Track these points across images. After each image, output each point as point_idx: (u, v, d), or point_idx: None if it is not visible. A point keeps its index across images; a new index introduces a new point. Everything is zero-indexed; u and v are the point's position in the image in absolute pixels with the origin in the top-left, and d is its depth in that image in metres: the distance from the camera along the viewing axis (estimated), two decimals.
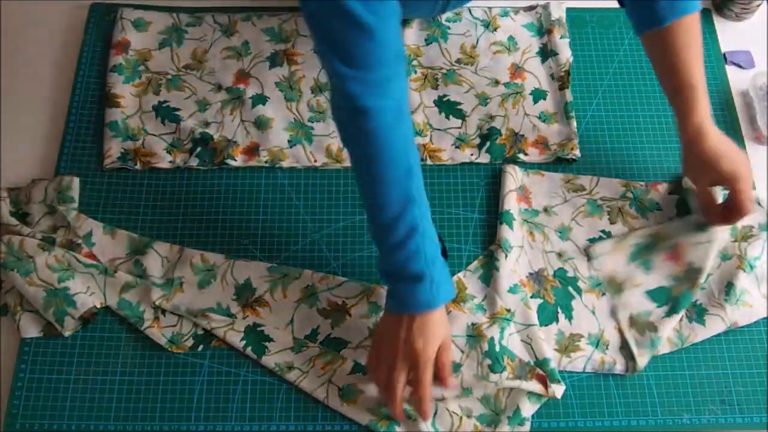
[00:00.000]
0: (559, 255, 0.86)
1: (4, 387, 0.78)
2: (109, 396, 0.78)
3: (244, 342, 0.80)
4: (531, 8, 1.02)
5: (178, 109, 0.93)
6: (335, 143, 0.92)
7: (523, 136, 0.93)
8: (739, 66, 1.00)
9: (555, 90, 0.96)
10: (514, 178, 0.89)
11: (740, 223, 0.87)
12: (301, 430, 0.77)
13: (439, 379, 0.74)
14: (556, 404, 0.79)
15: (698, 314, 0.82)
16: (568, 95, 0.95)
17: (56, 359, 0.80)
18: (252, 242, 0.86)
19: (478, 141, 0.92)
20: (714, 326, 0.81)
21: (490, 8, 1.02)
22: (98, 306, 0.80)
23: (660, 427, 0.78)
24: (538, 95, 0.96)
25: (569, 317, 0.82)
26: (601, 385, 0.80)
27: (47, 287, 0.80)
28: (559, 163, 0.92)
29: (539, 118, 0.94)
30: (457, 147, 0.92)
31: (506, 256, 0.83)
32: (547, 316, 0.82)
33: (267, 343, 0.80)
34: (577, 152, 0.92)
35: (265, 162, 0.90)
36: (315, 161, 0.91)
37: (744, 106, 0.97)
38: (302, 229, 0.87)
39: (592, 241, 0.87)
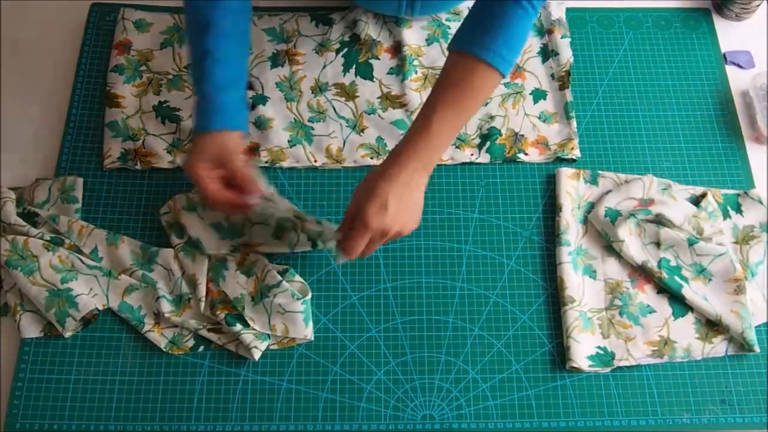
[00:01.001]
0: (658, 245, 0.85)
1: (4, 387, 0.78)
2: (109, 396, 0.78)
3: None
4: None
5: (179, 109, 0.93)
6: (335, 143, 0.92)
7: (523, 136, 0.93)
8: (739, 66, 1.00)
9: (555, 90, 0.96)
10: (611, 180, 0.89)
11: (742, 223, 0.87)
12: (301, 430, 0.77)
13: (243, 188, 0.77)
14: (557, 404, 0.79)
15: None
16: (568, 95, 0.95)
17: (56, 359, 0.80)
18: None
19: (478, 141, 0.92)
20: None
21: None
22: (100, 308, 0.80)
23: (660, 427, 0.78)
24: (538, 95, 0.96)
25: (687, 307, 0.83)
26: (601, 385, 0.80)
27: (50, 287, 0.80)
28: (559, 163, 0.92)
29: (539, 118, 0.94)
30: (457, 147, 0.92)
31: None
32: (680, 307, 0.83)
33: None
34: (577, 152, 0.92)
35: (265, 162, 0.90)
36: (315, 161, 0.91)
37: (744, 106, 0.97)
38: None
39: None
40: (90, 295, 0.81)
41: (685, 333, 0.81)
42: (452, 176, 0.91)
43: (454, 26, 1.00)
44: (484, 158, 0.91)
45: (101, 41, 0.98)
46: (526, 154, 0.92)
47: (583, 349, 0.80)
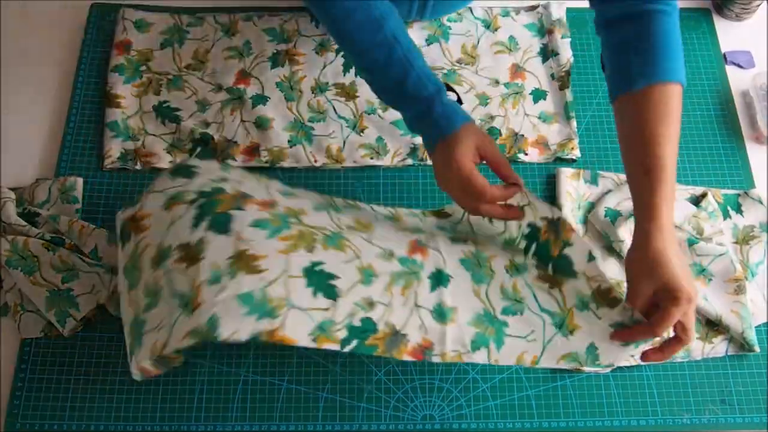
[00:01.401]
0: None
1: (4, 387, 0.78)
2: (109, 396, 0.78)
3: (311, 288, 0.66)
4: (532, 8, 1.02)
5: (179, 110, 0.93)
6: (335, 143, 0.92)
7: (523, 136, 0.93)
8: (739, 66, 1.00)
9: (555, 90, 0.96)
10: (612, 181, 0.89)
11: (742, 223, 0.87)
12: (301, 430, 0.77)
13: (498, 174, 0.73)
14: (557, 404, 0.79)
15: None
16: (569, 95, 0.95)
17: (56, 359, 0.80)
18: None
19: None
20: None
21: (491, 8, 1.02)
22: (101, 302, 0.80)
23: (660, 427, 0.78)
24: (538, 95, 0.96)
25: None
26: (601, 385, 0.80)
27: (50, 287, 0.80)
28: (559, 163, 0.92)
29: (539, 118, 0.94)
30: None
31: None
32: None
33: (333, 281, 0.67)
34: (577, 152, 0.92)
35: (266, 162, 0.90)
36: (315, 161, 0.91)
37: (744, 106, 0.97)
38: None
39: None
40: (93, 292, 0.80)
41: None
42: None
43: (455, 26, 1.00)
44: None
45: (101, 41, 0.98)
46: (526, 154, 0.92)
47: None
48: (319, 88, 0.95)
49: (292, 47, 0.98)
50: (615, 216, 0.85)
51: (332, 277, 0.67)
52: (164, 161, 0.90)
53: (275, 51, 0.97)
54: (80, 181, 0.88)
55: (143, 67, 0.96)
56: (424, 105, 0.73)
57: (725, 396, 0.80)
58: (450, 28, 1.00)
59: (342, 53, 0.97)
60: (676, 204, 0.84)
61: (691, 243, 0.84)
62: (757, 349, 0.80)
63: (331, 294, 0.66)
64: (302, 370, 0.80)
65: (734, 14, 1.02)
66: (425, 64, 0.75)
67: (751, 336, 0.80)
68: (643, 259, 0.66)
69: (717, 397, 0.80)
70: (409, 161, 0.91)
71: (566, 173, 0.89)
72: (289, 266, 0.66)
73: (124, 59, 0.96)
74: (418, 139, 0.92)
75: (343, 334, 0.65)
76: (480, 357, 0.69)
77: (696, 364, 0.81)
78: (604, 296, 0.70)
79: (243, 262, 0.65)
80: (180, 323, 0.64)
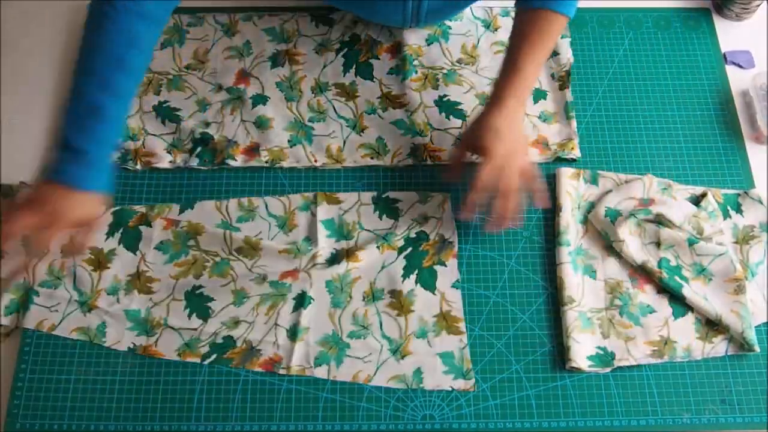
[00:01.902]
0: (658, 245, 0.85)
1: (4, 387, 0.78)
2: (109, 396, 0.78)
3: (188, 310, 0.81)
4: None
5: (179, 109, 0.93)
6: (335, 143, 0.92)
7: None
8: (739, 66, 1.00)
9: (555, 90, 0.96)
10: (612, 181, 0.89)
11: (742, 223, 0.87)
12: (301, 430, 0.77)
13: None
14: (557, 404, 0.79)
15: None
16: (568, 95, 0.95)
17: (56, 359, 0.79)
18: None
19: None
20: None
21: (491, 8, 1.02)
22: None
23: (660, 427, 0.78)
24: (538, 95, 0.96)
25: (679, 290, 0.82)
26: (601, 384, 0.80)
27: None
28: (559, 163, 0.92)
29: (539, 117, 0.94)
30: (457, 147, 0.92)
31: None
32: (680, 307, 0.82)
33: (209, 303, 0.82)
34: (577, 152, 0.92)
35: (266, 162, 0.90)
36: (315, 161, 0.91)
37: (744, 106, 0.97)
38: None
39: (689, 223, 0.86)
40: (51, 309, 0.82)
41: (685, 333, 0.81)
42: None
43: (455, 26, 1.00)
44: None
45: None
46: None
47: (583, 349, 0.80)
48: (319, 88, 0.95)
49: (292, 47, 0.98)
50: (615, 216, 0.85)
51: (209, 299, 0.82)
52: (164, 161, 0.90)
53: (275, 51, 0.97)
54: None
55: None
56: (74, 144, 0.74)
57: (725, 396, 0.80)
58: (450, 28, 1.00)
59: (342, 53, 0.97)
60: (676, 204, 0.85)
61: (691, 243, 0.84)
62: (757, 348, 0.80)
63: (205, 314, 0.81)
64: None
65: (734, 14, 1.02)
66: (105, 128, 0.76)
67: (751, 336, 0.80)
68: (472, 127, 0.82)
69: (717, 397, 0.80)
70: (409, 161, 0.91)
71: (566, 173, 0.89)
72: (174, 290, 0.82)
73: None
74: (419, 139, 0.92)
75: (205, 349, 0.80)
76: (321, 372, 0.79)
77: (696, 364, 0.81)
78: (450, 321, 0.82)
79: (140, 282, 0.82)
80: (73, 316, 0.81)
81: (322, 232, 0.86)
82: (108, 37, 0.74)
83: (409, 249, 0.85)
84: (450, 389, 0.79)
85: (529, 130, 0.93)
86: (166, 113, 0.93)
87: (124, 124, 0.80)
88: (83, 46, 0.76)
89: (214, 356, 0.80)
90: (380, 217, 0.87)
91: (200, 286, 0.82)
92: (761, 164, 0.93)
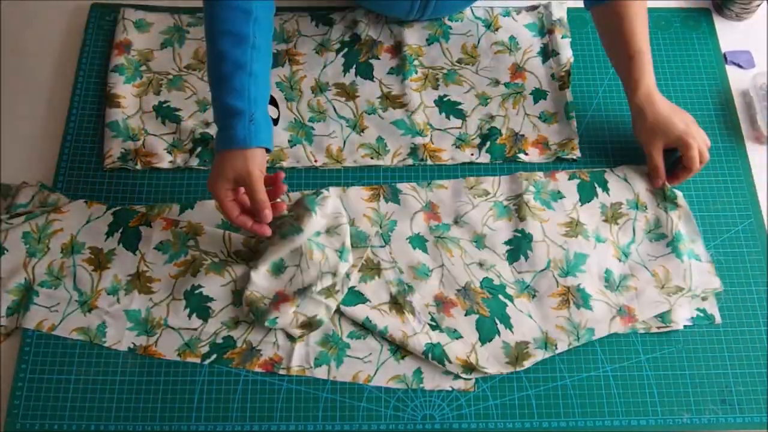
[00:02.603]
0: (480, 265, 0.84)
1: (4, 387, 0.78)
2: (110, 396, 0.78)
3: (187, 310, 0.81)
4: (533, 8, 1.02)
5: (179, 109, 0.93)
6: (335, 143, 0.92)
7: (523, 136, 0.93)
8: (739, 66, 1.00)
9: (555, 90, 0.96)
10: (417, 197, 0.88)
11: (609, 200, 0.88)
12: (302, 430, 0.77)
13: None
14: (557, 404, 0.79)
15: (584, 300, 0.82)
16: (569, 95, 0.95)
17: (56, 359, 0.79)
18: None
19: (478, 141, 0.92)
20: (601, 311, 0.82)
21: (491, 8, 1.02)
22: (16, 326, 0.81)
23: (660, 426, 0.78)
24: (538, 95, 0.96)
25: (509, 326, 0.81)
26: (601, 385, 0.80)
27: (27, 279, 0.82)
28: (559, 163, 0.92)
29: (539, 118, 0.94)
30: (457, 147, 0.92)
31: (426, 280, 0.83)
32: (487, 331, 0.81)
33: (209, 303, 0.82)
34: (578, 152, 0.92)
35: (266, 162, 0.90)
36: (315, 161, 0.91)
37: (744, 106, 0.97)
38: None
39: (510, 243, 0.85)
40: (51, 309, 0.82)
41: (494, 358, 0.80)
42: (452, 176, 0.91)
43: (455, 26, 1.00)
44: (485, 158, 0.91)
45: (101, 41, 0.98)
46: (527, 154, 0.92)
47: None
48: (320, 88, 0.95)
49: (292, 47, 0.98)
50: (420, 243, 0.85)
51: (208, 299, 0.81)
52: (164, 161, 0.90)
53: (275, 51, 0.97)
54: (63, 199, 0.87)
55: (143, 67, 0.96)
56: (227, 111, 0.76)
57: (725, 396, 0.80)
58: (450, 28, 1.00)
59: (342, 53, 0.97)
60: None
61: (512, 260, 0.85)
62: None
63: (205, 314, 0.81)
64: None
65: (734, 14, 1.02)
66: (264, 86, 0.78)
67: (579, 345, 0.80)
68: (646, 127, 0.86)
69: (717, 397, 0.80)
70: (410, 161, 0.91)
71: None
72: (174, 290, 0.82)
73: (124, 59, 0.96)
74: (419, 139, 0.92)
75: (205, 349, 0.80)
76: (320, 372, 0.79)
77: (696, 364, 0.81)
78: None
79: (140, 282, 0.82)
80: (73, 316, 0.81)
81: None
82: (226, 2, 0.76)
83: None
84: (450, 389, 0.79)
85: (530, 130, 0.93)
86: (166, 113, 0.93)
87: (269, 79, 0.80)
88: (205, 19, 0.78)
89: (214, 356, 0.80)
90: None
91: (199, 286, 0.82)
92: (761, 164, 0.93)
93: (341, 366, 0.80)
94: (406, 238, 0.85)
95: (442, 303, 0.82)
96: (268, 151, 0.78)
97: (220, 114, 0.77)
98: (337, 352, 0.80)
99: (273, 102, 0.88)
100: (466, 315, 0.82)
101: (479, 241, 0.85)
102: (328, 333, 0.81)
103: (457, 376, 0.79)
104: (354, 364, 0.80)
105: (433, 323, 0.81)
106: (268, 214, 0.76)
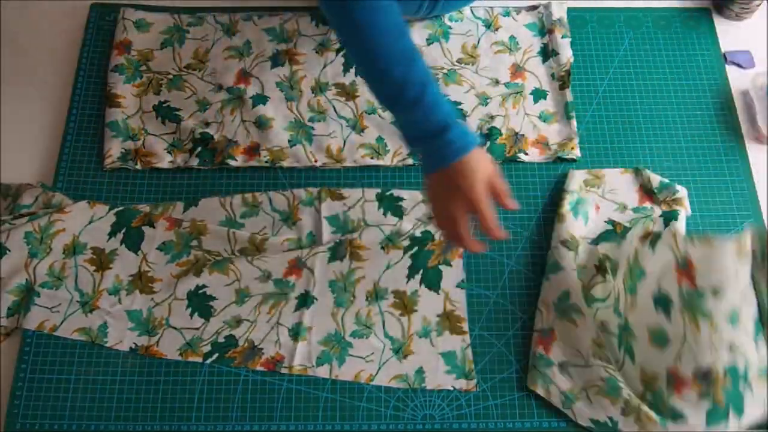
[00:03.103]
0: (731, 348, 0.69)
1: (4, 387, 0.78)
2: (110, 396, 0.78)
3: (189, 309, 0.81)
4: (533, 8, 1.02)
5: (179, 109, 0.93)
6: (335, 143, 0.92)
7: (523, 135, 0.93)
8: (739, 66, 1.00)
9: (555, 90, 0.96)
10: (674, 246, 0.73)
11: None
12: (302, 430, 0.77)
13: (500, 203, 0.71)
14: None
15: None
16: (569, 95, 0.95)
17: (56, 359, 0.79)
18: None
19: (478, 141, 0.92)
20: None
21: (491, 8, 1.02)
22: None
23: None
24: (538, 95, 0.96)
25: (739, 412, 0.69)
26: None
27: (28, 280, 0.82)
28: (559, 163, 0.92)
29: (539, 117, 0.94)
30: None
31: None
32: (716, 418, 0.70)
33: (211, 303, 0.82)
34: (577, 152, 0.92)
35: (266, 162, 0.90)
36: (315, 161, 0.91)
37: (744, 106, 0.97)
38: None
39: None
40: (52, 310, 0.81)
41: None
42: None
43: (455, 26, 1.00)
44: None
45: (101, 41, 0.98)
46: (527, 154, 0.92)
47: (589, 410, 0.76)
48: (320, 88, 0.95)
49: (292, 47, 0.98)
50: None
51: (211, 298, 0.81)
52: (164, 161, 0.90)
53: (275, 51, 0.97)
54: (67, 200, 0.87)
55: (143, 67, 0.96)
56: (436, 126, 0.69)
57: None
58: (450, 28, 1.00)
59: (342, 53, 0.97)
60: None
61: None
62: None
63: (207, 314, 0.81)
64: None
65: (734, 14, 1.02)
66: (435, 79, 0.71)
67: None
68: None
69: None
70: (410, 161, 0.91)
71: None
72: (176, 290, 0.82)
73: (124, 59, 0.96)
74: None
75: (207, 348, 0.80)
76: (323, 372, 0.79)
77: None
78: (453, 321, 0.82)
79: (142, 282, 0.82)
80: (75, 317, 0.81)
81: (326, 229, 0.86)
82: (377, 15, 0.68)
83: (415, 248, 0.85)
84: (452, 389, 0.79)
85: (530, 130, 0.93)
86: (166, 113, 0.93)
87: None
88: (356, 38, 0.70)
89: (215, 355, 0.80)
90: (384, 214, 0.87)
91: (203, 286, 0.82)
92: (761, 164, 0.93)
93: (343, 365, 0.80)
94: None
95: (674, 379, 0.72)
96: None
97: (415, 132, 0.71)
98: (340, 351, 0.80)
99: None
100: (699, 398, 0.70)
101: (735, 318, 0.70)
102: (331, 332, 0.81)
103: (459, 376, 0.79)
104: (356, 364, 0.80)
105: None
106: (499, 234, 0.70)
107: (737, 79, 0.98)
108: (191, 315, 0.81)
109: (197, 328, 0.81)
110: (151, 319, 0.81)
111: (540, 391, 0.78)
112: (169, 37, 0.99)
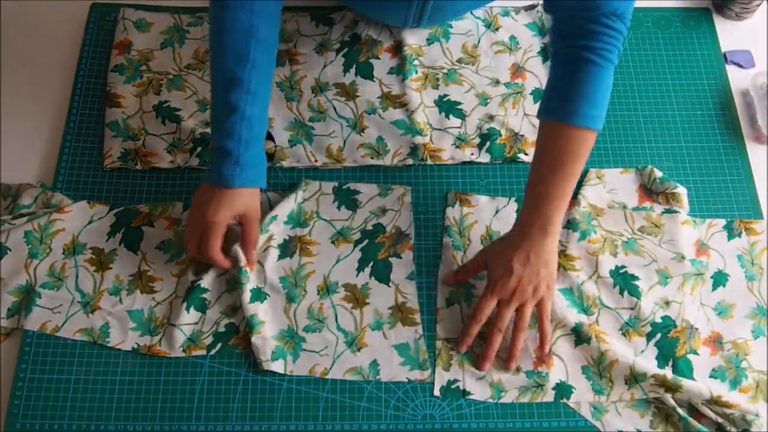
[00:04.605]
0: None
1: (4, 387, 0.78)
2: (110, 396, 0.78)
3: (185, 304, 0.81)
4: (531, 7, 1.02)
5: (179, 109, 0.93)
6: (335, 143, 0.92)
7: (523, 136, 0.93)
8: (739, 66, 1.00)
9: None
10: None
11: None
12: (302, 430, 0.77)
13: (244, 249, 0.81)
14: (557, 404, 0.79)
15: None
16: None
17: (56, 359, 0.79)
18: None
19: (478, 141, 0.92)
20: None
21: (491, 8, 1.02)
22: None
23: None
24: (538, 95, 0.96)
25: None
26: None
27: (29, 281, 0.82)
28: None
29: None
30: (457, 147, 0.92)
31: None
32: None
33: (204, 295, 0.82)
34: None
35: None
36: (315, 161, 0.91)
37: (744, 106, 0.97)
38: None
39: None
40: (54, 311, 0.81)
41: None
42: (452, 176, 0.91)
43: (456, 25, 1.00)
44: (484, 158, 0.91)
45: (101, 41, 0.98)
46: (526, 154, 0.92)
47: (619, 421, 0.78)
48: (320, 88, 0.95)
49: (292, 47, 0.98)
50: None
51: (205, 290, 0.82)
52: (164, 161, 0.90)
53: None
54: (66, 200, 0.87)
55: (143, 67, 0.96)
56: (238, 145, 0.76)
57: None
58: (451, 27, 1.00)
59: (342, 53, 0.97)
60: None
61: None
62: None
63: (202, 307, 0.81)
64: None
65: (734, 14, 1.02)
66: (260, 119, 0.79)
67: None
68: (492, 244, 0.81)
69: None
70: (410, 161, 0.91)
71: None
72: (177, 289, 0.82)
73: (124, 59, 0.96)
74: (419, 139, 0.92)
75: (209, 340, 0.80)
76: (277, 367, 0.79)
77: None
78: (405, 313, 0.82)
79: (142, 282, 0.82)
80: (76, 317, 0.80)
81: (273, 251, 0.86)
82: (227, 36, 0.76)
83: (365, 241, 0.86)
84: (406, 380, 0.79)
85: (529, 130, 0.93)
86: (166, 113, 0.93)
87: (266, 119, 0.80)
88: (209, 48, 0.78)
89: (219, 345, 0.80)
90: (338, 208, 0.87)
91: (198, 279, 0.82)
92: (761, 164, 0.93)
93: (298, 360, 0.80)
94: None
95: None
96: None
97: (211, 149, 0.79)
98: (293, 346, 0.80)
99: (269, 137, 0.89)
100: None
101: None
102: (283, 328, 0.81)
103: (413, 367, 0.80)
104: (311, 358, 0.80)
105: None
106: (224, 264, 0.80)
107: (737, 78, 0.98)
108: (188, 310, 0.81)
109: (196, 322, 0.81)
110: (153, 318, 0.81)
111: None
112: (169, 37, 0.99)
